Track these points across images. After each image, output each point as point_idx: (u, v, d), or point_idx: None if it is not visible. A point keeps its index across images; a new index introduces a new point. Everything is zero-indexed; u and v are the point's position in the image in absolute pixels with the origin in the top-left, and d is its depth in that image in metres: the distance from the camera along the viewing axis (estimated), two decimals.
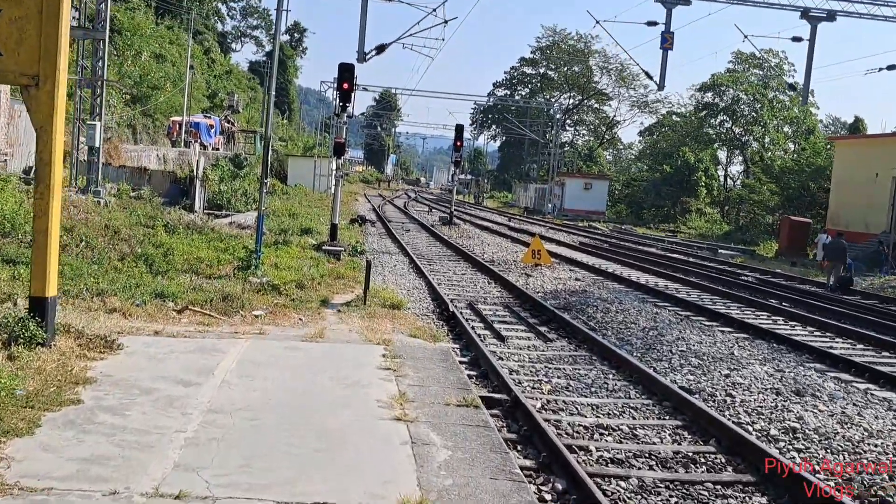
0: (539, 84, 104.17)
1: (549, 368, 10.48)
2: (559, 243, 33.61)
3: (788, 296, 20.13)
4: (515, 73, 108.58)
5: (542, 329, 13.20)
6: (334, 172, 23.39)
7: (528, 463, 6.89)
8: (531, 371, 10.30)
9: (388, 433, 6.60)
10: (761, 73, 76.79)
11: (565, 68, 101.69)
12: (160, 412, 6.69)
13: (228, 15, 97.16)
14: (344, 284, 15.69)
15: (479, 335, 12.16)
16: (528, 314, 14.66)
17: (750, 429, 8.15)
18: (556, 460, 6.85)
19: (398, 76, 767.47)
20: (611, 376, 10.23)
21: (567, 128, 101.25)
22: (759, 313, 17.05)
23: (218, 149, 55.55)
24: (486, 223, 44.75)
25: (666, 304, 17.06)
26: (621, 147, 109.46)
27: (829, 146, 49.25)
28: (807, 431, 8.11)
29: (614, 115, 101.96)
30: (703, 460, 7.26)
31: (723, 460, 7.28)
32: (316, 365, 8.80)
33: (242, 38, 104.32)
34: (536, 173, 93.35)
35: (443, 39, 43.97)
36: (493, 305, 15.55)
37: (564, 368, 10.55)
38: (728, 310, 16.90)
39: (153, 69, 52.14)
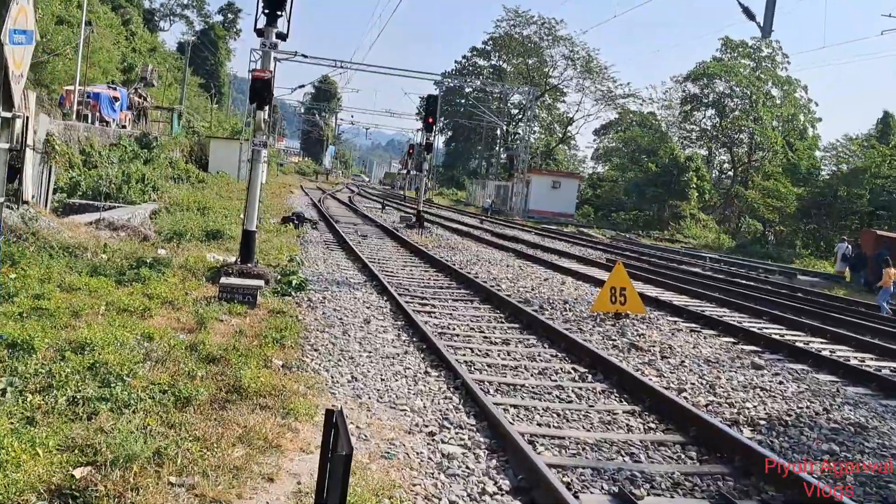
0: (492, 76, 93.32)
1: None
2: (578, 259, 23.65)
3: None
4: (467, 64, 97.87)
5: None
6: (252, 139, 12.87)
7: None
8: None
9: None
10: (752, 63, 67.93)
11: (518, 60, 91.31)
12: None
13: None
14: (249, 439, 5.21)
15: None
16: None
17: None
18: None
19: (344, 50, 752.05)
20: None
21: (520, 123, 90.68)
22: None
23: (125, 126, 44.35)
24: (455, 225, 34.65)
25: None
26: (574, 145, 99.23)
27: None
28: None
29: (576, 111, 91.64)
30: None
31: None
32: None
33: (171, 17, 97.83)
34: (496, 170, 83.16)
35: None
36: None
37: None
38: None
39: (50, 31, 41.31)
